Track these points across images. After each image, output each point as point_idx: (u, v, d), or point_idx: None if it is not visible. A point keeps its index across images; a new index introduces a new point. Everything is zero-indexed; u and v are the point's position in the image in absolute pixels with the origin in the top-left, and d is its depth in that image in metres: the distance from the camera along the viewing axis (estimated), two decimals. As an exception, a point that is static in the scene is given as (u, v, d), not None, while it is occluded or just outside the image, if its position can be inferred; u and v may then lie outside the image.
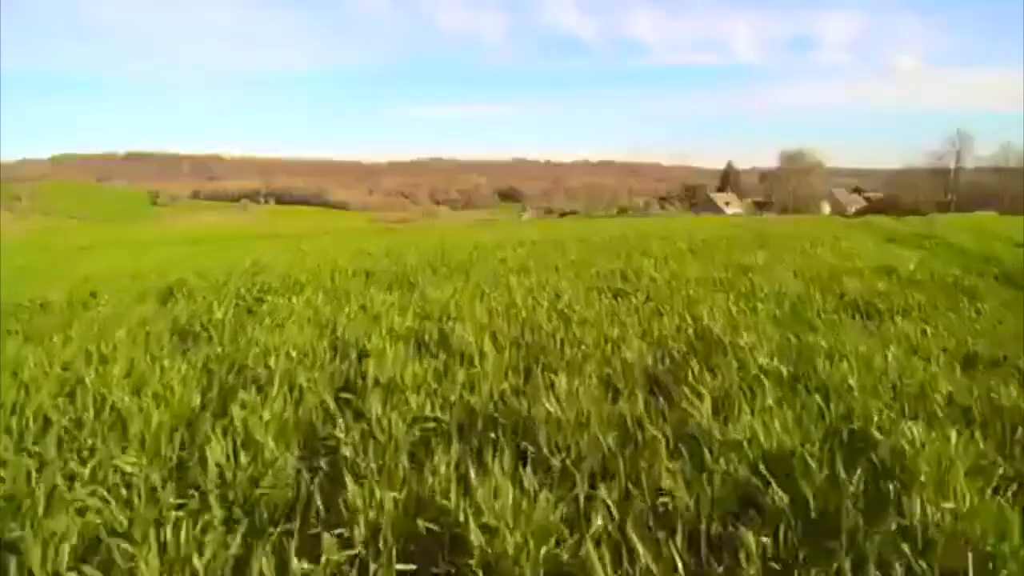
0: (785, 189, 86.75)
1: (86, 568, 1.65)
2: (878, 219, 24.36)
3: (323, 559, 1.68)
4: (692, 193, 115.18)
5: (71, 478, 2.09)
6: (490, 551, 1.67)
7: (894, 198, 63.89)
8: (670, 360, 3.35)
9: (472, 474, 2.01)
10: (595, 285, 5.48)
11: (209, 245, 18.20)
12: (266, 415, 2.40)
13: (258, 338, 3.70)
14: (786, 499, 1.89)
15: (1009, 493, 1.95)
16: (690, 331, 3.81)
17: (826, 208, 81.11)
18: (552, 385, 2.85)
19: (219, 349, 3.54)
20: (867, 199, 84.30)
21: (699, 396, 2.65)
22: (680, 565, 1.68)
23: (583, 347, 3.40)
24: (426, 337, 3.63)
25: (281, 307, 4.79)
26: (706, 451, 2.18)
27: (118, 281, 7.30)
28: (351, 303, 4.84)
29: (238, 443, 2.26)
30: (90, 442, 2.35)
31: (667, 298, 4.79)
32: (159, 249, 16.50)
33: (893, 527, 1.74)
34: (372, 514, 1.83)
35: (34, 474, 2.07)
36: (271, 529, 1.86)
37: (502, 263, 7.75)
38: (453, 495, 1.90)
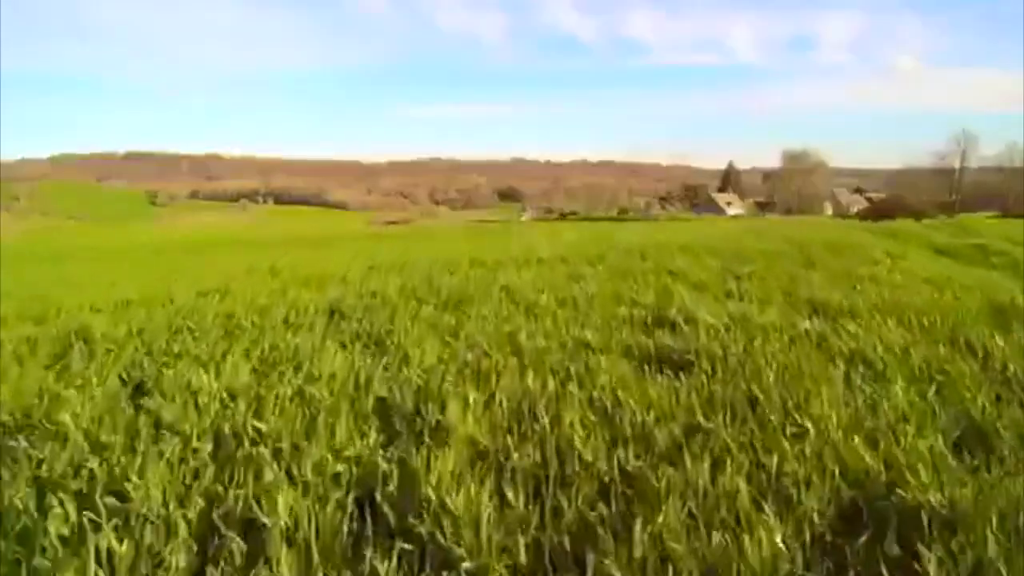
0: (788, 189, 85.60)
1: None
2: (904, 224, 22.83)
3: None
4: (693, 193, 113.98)
5: None
6: None
7: (898, 198, 62.89)
8: (822, 551, 1.82)
9: None
10: (636, 343, 3.94)
11: (177, 256, 16.68)
12: None
13: (98, 476, 2.17)
14: None
15: None
16: (826, 461, 2.29)
17: (828, 209, 79.84)
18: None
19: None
20: (869, 199, 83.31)
21: None
22: None
23: (661, 521, 1.87)
24: (377, 491, 2.08)
25: (185, 385, 3.26)
26: None
27: (19, 323, 5.77)
28: (287, 380, 3.31)
29: None
30: None
31: (752, 373, 3.26)
32: (120, 262, 14.99)
33: None
34: None
35: None
36: None
37: (505, 293, 6.23)
38: None
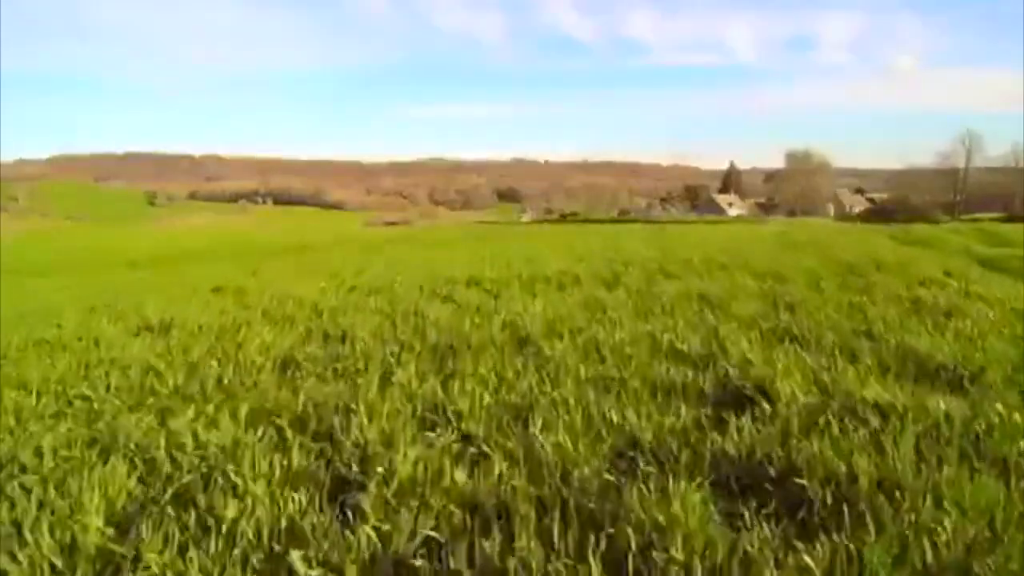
0: (791, 190, 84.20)
1: None
2: (927, 230, 21.54)
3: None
4: (694, 194, 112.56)
5: None
6: None
7: (902, 199, 61.90)
8: None
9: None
10: (706, 441, 2.69)
11: (153, 268, 15.44)
12: None
13: None
14: None
15: None
16: None
17: (831, 209, 78.61)
18: None
19: None
20: (870, 200, 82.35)
21: None
22: None
23: None
24: None
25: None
26: None
27: None
28: (160, 539, 2.05)
29: None
30: None
31: (912, 519, 2.02)
32: (91, 274, 13.77)
33: None
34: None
35: None
36: None
37: (510, 333, 5.00)
38: None
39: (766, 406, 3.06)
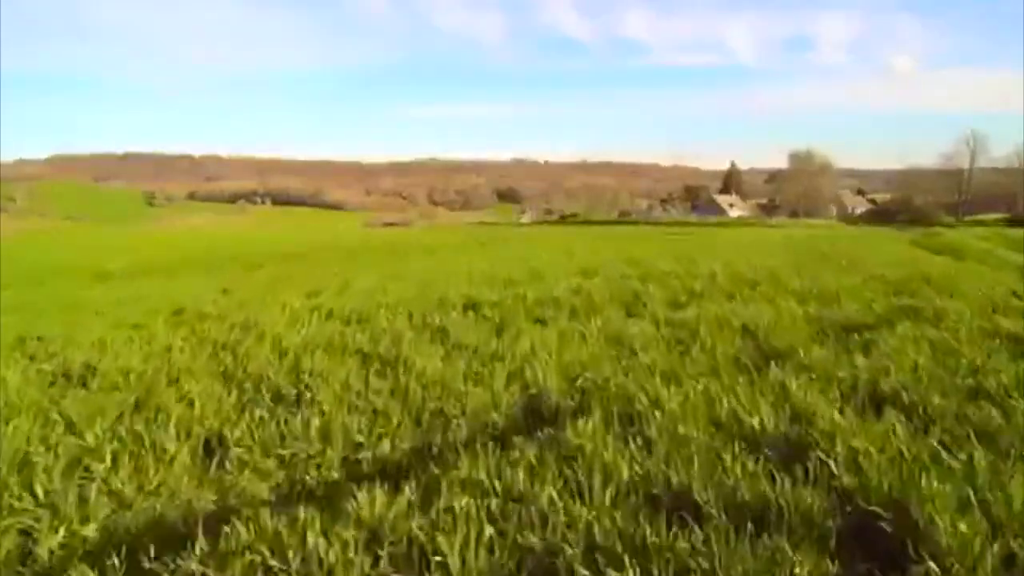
0: (794, 191, 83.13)
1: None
2: (953, 235, 20.52)
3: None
4: (694, 194, 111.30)
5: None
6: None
7: (905, 200, 61.05)
8: None
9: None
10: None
11: (119, 280, 14.32)
12: None
13: None
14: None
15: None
16: None
17: (832, 210, 77.61)
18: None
19: None
20: (872, 201, 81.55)
21: None
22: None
23: None
24: None
25: None
26: None
27: None
28: None
29: None
30: None
31: None
32: (57, 284, 12.65)
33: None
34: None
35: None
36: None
37: (516, 390, 3.88)
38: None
39: (932, 565, 1.93)
